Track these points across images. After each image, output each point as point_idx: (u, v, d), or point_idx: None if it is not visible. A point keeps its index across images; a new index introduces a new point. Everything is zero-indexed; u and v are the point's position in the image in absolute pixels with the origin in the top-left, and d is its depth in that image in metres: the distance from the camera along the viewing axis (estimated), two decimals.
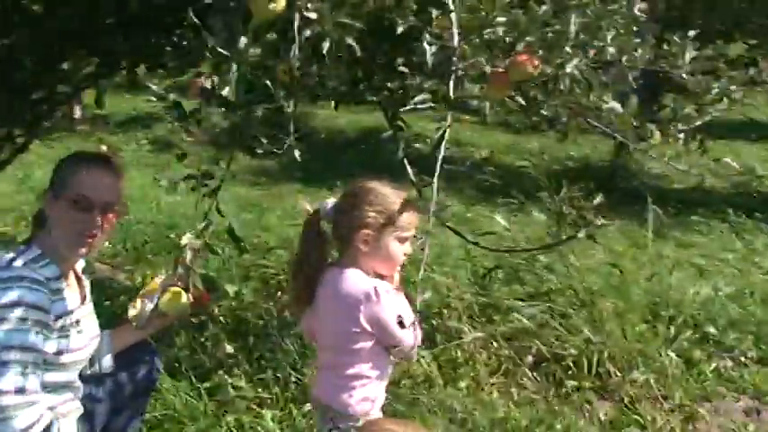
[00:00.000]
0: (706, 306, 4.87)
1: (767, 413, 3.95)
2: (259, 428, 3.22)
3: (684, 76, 3.08)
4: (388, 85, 3.19)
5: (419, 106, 2.81)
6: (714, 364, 4.31)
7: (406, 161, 3.47)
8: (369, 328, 2.37)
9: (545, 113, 2.73)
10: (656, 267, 5.34)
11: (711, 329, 4.63)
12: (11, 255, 2.33)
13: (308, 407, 3.36)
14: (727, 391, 4.13)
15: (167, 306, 2.76)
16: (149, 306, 2.75)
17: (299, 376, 3.59)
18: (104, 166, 2.48)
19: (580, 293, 4.45)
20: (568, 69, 2.57)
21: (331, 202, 2.54)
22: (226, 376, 3.50)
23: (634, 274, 4.91)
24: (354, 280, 2.40)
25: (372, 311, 2.35)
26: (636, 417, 3.75)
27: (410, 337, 2.42)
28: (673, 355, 4.26)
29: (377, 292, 2.35)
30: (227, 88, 2.31)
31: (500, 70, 2.55)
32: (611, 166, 9.84)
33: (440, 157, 2.35)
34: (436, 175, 2.44)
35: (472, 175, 7.94)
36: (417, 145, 2.95)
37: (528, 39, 2.54)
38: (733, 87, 3.11)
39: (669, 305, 4.71)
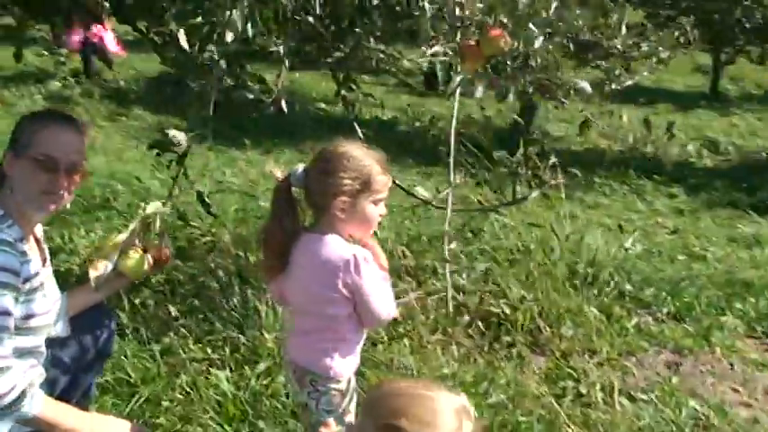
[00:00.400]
0: (621, 264, 5.10)
1: (687, 366, 4.17)
2: (213, 390, 3.19)
3: (617, 41, 3.18)
4: (342, 47, 3.18)
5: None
6: (635, 320, 4.52)
7: (356, 126, 3.46)
8: (347, 295, 2.37)
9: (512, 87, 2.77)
10: (570, 227, 5.53)
11: (628, 287, 4.85)
12: None
13: (261, 367, 3.35)
14: (648, 345, 4.34)
15: (128, 268, 2.70)
16: (109, 267, 2.68)
17: (247, 338, 3.56)
18: (69, 124, 2.38)
19: (514, 252, 4.58)
20: (537, 45, 2.62)
21: (301, 167, 2.49)
22: (176, 338, 3.43)
23: (552, 234, 5.07)
24: (334, 246, 2.38)
25: (352, 279, 2.34)
26: (569, 370, 3.90)
27: (385, 307, 2.43)
28: (595, 311, 4.46)
29: (356, 260, 2.34)
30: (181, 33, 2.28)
31: (472, 43, 2.58)
32: (511, 129, 10.04)
33: (452, 135, 2.35)
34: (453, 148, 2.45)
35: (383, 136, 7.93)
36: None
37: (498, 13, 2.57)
38: (660, 48, 3.23)
39: (588, 264, 4.90)
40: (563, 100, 3.30)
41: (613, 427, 3.40)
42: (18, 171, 2.30)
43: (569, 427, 3.31)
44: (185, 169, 2.77)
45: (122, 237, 2.73)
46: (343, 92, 3.37)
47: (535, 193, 3.38)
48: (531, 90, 2.90)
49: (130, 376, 3.17)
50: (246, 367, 3.35)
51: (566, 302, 4.40)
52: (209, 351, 3.45)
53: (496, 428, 3.23)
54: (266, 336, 3.55)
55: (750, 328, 4.64)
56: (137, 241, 2.73)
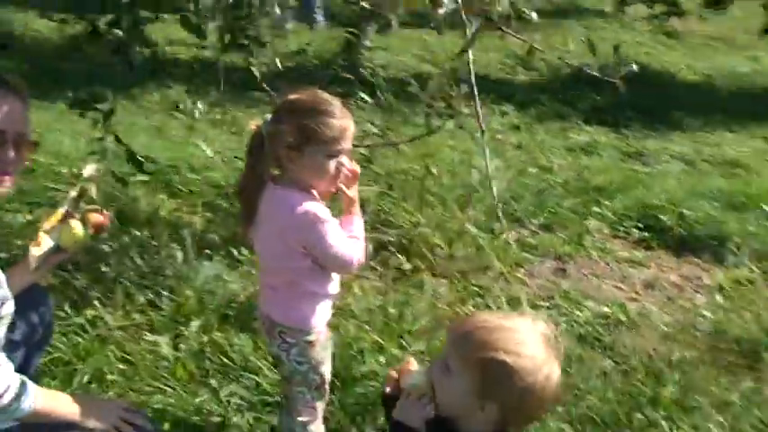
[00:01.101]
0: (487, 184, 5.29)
1: (572, 271, 4.47)
2: (154, 356, 3.06)
3: None
4: None
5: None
6: (515, 234, 4.75)
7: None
8: (302, 250, 2.34)
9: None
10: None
11: (500, 203, 5.06)
12: None
13: (194, 326, 3.25)
14: (532, 256, 4.58)
15: (68, 240, 2.51)
16: (51, 243, 2.47)
17: (171, 296, 3.43)
18: (12, 91, 2.14)
19: (410, 179, 4.65)
20: None
21: (268, 117, 2.42)
22: (100, 307, 3.24)
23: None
24: (287, 201, 2.33)
25: (304, 236, 2.32)
26: (474, 288, 4.06)
27: (347, 256, 2.38)
28: (474, 229, 4.63)
29: (307, 217, 2.29)
30: None
31: None
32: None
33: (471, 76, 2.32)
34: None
35: None
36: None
37: None
38: None
39: (462, 186, 5.07)
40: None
41: None
42: None
43: None
44: (112, 127, 2.57)
45: (62, 209, 2.52)
46: None
47: (449, 124, 3.43)
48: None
49: (65, 354, 2.96)
50: (182, 328, 3.23)
51: (454, 225, 4.53)
52: (135, 317, 3.28)
53: (428, 355, 3.31)
54: (191, 293, 3.43)
55: (613, 229, 5.01)
56: (72, 212, 2.53)
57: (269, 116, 2.40)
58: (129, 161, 2.75)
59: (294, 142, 2.30)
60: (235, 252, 3.96)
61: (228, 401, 2.89)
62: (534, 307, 3.95)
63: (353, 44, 8.14)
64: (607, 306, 3.99)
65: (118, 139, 2.62)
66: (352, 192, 2.49)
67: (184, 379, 3.00)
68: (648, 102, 8.04)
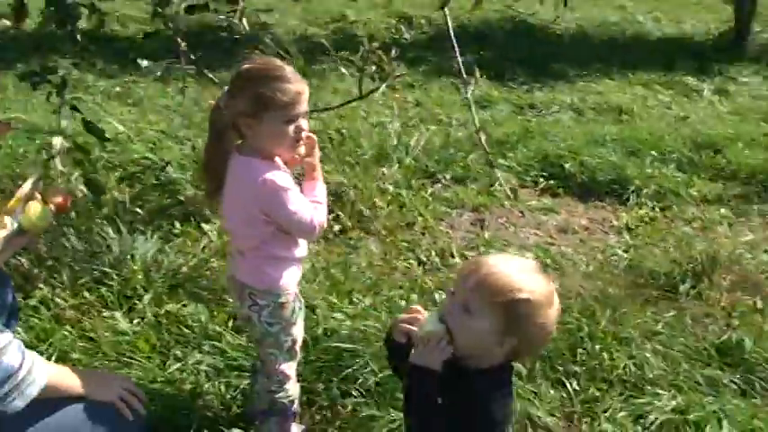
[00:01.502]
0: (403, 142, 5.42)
1: (490, 221, 4.68)
2: (109, 332, 3.05)
3: None
4: None
5: None
6: (430, 189, 4.91)
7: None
8: (265, 217, 2.40)
9: None
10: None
11: (413, 161, 5.21)
12: None
13: (147, 299, 3.25)
14: (449, 209, 4.76)
15: (31, 221, 2.47)
16: (14, 224, 2.42)
17: (116, 272, 3.40)
18: None
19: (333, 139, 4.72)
20: None
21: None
22: (47, 289, 3.18)
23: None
24: (249, 170, 2.38)
25: (266, 203, 2.37)
26: (404, 244, 4.19)
27: (309, 221, 2.42)
28: (391, 188, 4.77)
29: (267, 184, 2.34)
30: None
31: None
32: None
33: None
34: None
35: None
36: None
37: None
38: None
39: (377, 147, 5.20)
40: None
41: None
42: None
43: (439, 292, 3.59)
44: (69, 99, 2.52)
45: (25, 188, 2.47)
46: None
47: (382, 87, 3.51)
48: None
49: (24, 337, 2.90)
50: (136, 302, 3.22)
51: (375, 184, 4.65)
52: (86, 295, 3.24)
53: (377, 308, 3.42)
54: (136, 267, 3.41)
55: (520, 179, 5.24)
56: (33, 192, 2.48)
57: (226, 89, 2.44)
58: (88, 131, 2.69)
59: (251, 110, 2.33)
60: (167, 226, 3.95)
61: (197, 369, 2.91)
62: (462, 256, 4.11)
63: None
64: (530, 251, 4.19)
65: (75, 109, 2.56)
66: (313, 158, 2.55)
67: (146, 351, 3.01)
68: (528, 54, 8.35)
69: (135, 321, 3.16)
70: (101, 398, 2.15)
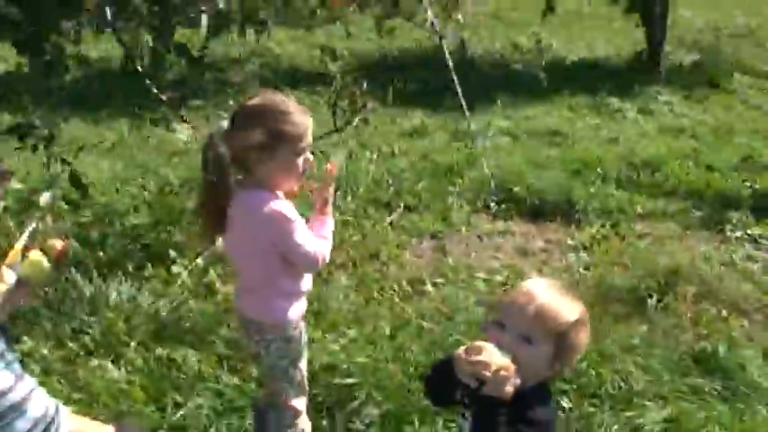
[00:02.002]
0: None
1: (451, 246, 4.77)
2: (101, 381, 2.97)
3: None
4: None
5: None
6: (388, 219, 4.96)
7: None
8: (275, 249, 2.42)
9: None
10: None
11: (365, 192, 5.25)
12: None
13: (133, 345, 3.18)
14: (409, 237, 4.82)
15: (32, 273, 2.38)
16: (14, 278, 2.34)
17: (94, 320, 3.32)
18: None
19: None
20: None
21: (226, 123, 2.44)
22: (29, 340, 3.07)
23: None
24: (257, 203, 2.39)
25: (274, 235, 2.39)
26: (376, 275, 4.22)
27: (313, 254, 2.44)
28: (350, 218, 4.81)
29: (275, 216, 2.36)
30: None
31: None
32: None
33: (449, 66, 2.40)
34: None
35: None
36: None
37: None
38: None
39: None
40: None
41: (450, 304, 3.83)
42: None
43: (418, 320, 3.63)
44: (57, 152, 2.47)
45: (23, 240, 2.38)
46: None
47: (356, 121, 3.55)
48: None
49: None
50: (122, 349, 3.14)
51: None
52: (71, 345, 3.15)
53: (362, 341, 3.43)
54: (112, 313, 3.35)
55: (472, 204, 5.33)
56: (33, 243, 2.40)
57: (223, 123, 2.44)
58: (72, 184, 2.61)
59: (265, 145, 2.34)
60: (133, 270, 3.88)
61: (198, 414, 2.87)
62: (434, 285, 4.16)
63: None
64: (500, 275, 4.28)
65: (64, 161, 2.50)
66: (327, 192, 2.56)
67: (141, 400, 2.94)
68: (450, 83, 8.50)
69: (124, 369, 3.08)
70: None
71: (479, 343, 1.98)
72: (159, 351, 3.20)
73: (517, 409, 1.88)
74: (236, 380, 3.09)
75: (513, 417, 1.87)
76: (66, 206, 2.85)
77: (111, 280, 3.71)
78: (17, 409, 1.80)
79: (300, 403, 2.65)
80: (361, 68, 9.27)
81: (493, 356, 1.87)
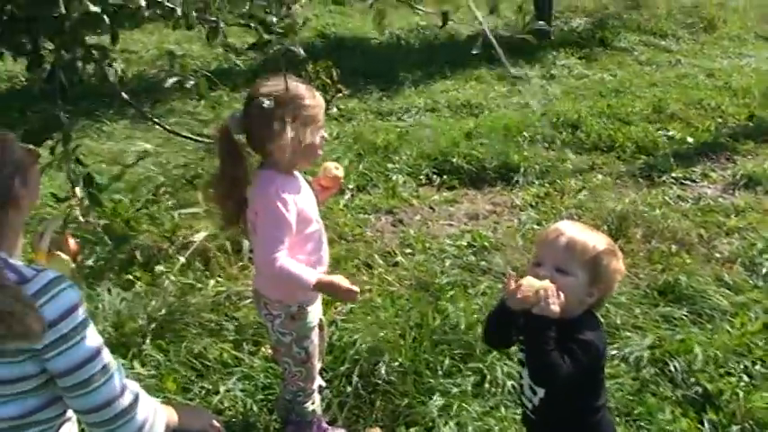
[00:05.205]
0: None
1: (407, 219, 4.98)
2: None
3: None
4: None
5: None
6: (343, 200, 5.13)
7: None
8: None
9: None
10: None
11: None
12: None
13: (148, 340, 3.29)
14: (367, 215, 5.01)
15: (59, 272, 2.48)
16: None
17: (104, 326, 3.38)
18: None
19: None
20: None
21: (238, 113, 2.56)
22: None
23: None
24: (267, 182, 2.53)
25: (264, 202, 2.51)
26: (344, 253, 4.39)
27: (277, 255, 2.49)
28: None
29: (279, 200, 2.48)
30: None
31: None
32: None
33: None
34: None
35: None
36: None
37: None
38: None
39: None
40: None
41: (426, 269, 4.10)
42: None
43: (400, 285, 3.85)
44: (76, 155, 2.55)
45: (47, 240, 2.44)
46: None
47: (333, 109, 3.69)
48: None
49: None
50: (138, 348, 3.25)
51: None
52: None
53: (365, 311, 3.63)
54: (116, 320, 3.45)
55: (415, 179, 5.55)
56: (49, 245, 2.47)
57: (237, 112, 2.56)
58: (86, 186, 2.68)
59: (281, 128, 2.46)
60: (115, 277, 3.96)
61: (234, 396, 3.02)
62: (405, 255, 4.38)
63: None
64: (462, 239, 4.54)
65: (78, 162, 2.58)
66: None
67: (173, 390, 3.06)
68: (361, 66, 8.68)
69: (144, 366, 3.19)
70: (194, 428, 2.23)
71: (511, 274, 2.22)
72: (174, 345, 3.30)
73: (567, 333, 2.13)
74: (256, 360, 3.24)
75: (564, 338, 2.11)
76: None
77: (97, 285, 3.79)
78: (125, 414, 1.90)
79: (306, 383, 2.78)
80: (269, 62, 9.38)
81: (531, 284, 2.10)
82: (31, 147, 2.06)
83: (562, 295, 2.07)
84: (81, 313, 1.82)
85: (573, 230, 2.18)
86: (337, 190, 3.05)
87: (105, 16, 2.51)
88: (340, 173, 2.86)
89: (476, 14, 2.35)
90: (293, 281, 2.49)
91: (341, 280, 2.53)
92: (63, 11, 2.39)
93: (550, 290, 2.07)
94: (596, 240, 2.16)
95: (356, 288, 2.53)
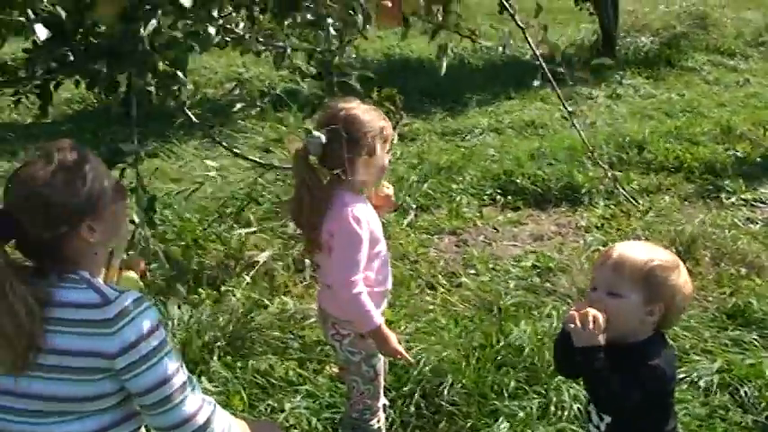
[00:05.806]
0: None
1: (470, 240, 4.99)
2: None
3: None
4: None
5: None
6: (406, 220, 5.16)
7: None
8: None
9: None
10: None
11: None
12: None
13: (215, 359, 3.36)
14: (430, 235, 5.03)
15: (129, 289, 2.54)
16: None
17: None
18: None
19: None
20: None
21: (318, 134, 2.58)
22: None
23: None
24: (341, 203, 2.56)
25: (340, 226, 2.54)
26: (408, 273, 4.42)
27: (351, 278, 2.53)
28: None
29: (354, 220, 2.52)
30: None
31: (389, 4, 2.91)
32: None
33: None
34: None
35: None
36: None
37: None
38: None
39: None
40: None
41: (491, 289, 4.09)
42: None
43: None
44: (141, 177, 2.64)
45: (119, 258, 2.50)
46: None
47: (395, 137, 3.73)
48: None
49: None
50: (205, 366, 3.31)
51: None
52: None
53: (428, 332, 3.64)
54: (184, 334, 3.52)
55: (479, 199, 5.56)
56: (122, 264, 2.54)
57: (316, 134, 2.56)
58: (147, 210, 2.74)
59: (371, 146, 2.55)
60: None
61: (299, 414, 3.06)
62: (469, 276, 4.39)
63: None
64: (527, 260, 4.53)
65: (143, 188, 2.66)
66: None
67: (241, 407, 3.11)
68: (424, 87, 8.72)
69: (213, 382, 3.25)
70: None
71: (574, 309, 2.16)
72: (241, 362, 3.36)
73: (634, 358, 2.09)
74: (321, 379, 3.28)
75: (631, 363, 2.07)
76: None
77: (166, 302, 3.87)
78: (203, 429, 1.90)
79: (373, 401, 2.80)
80: (329, 83, 9.51)
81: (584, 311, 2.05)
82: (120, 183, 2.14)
83: (601, 320, 2.02)
84: (161, 333, 1.86)
85: (623, 250, 2.13)
86: (389, 209, 3.07)
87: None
88: (391, 191, 2.88)
89: (533, 49, 2.31)
90: (361, 312, 2.53)
91: (397, 340, 2.64)
92: (147, 47, 2.47)
93: (589, 317, 2.02)
94: (649, 256, 2.08)
95: (409, 357, 2.72)
